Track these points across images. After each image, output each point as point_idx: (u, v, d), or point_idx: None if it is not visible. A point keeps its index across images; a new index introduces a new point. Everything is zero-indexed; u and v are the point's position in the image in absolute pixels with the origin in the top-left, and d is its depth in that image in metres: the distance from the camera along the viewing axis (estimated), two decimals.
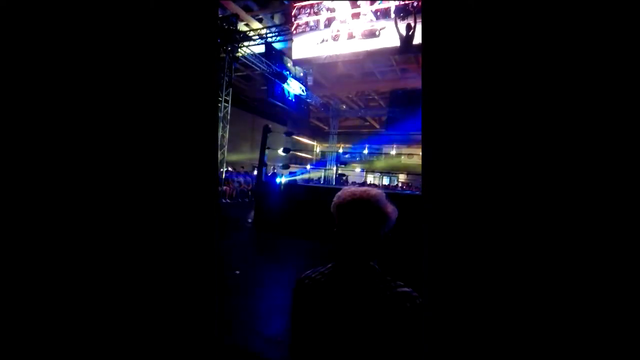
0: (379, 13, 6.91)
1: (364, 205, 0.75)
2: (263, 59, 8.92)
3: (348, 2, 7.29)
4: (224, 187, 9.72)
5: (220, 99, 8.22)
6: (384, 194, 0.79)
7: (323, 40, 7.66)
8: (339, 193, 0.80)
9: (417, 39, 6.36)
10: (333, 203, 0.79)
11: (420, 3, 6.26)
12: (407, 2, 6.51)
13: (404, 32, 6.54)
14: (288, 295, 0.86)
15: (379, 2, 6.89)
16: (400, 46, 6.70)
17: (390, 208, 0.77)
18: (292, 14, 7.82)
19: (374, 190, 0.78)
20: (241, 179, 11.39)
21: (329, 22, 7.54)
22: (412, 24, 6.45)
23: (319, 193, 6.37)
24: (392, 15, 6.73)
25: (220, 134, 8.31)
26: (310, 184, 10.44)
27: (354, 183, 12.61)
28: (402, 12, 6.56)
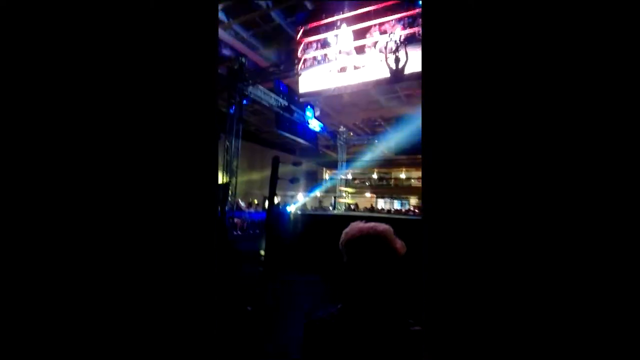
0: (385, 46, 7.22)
1: (372, 241, 0.73)
2: (272, 94, 9.35)
3: (352, 35, 7.67)
4: (236, 220, 9.78)
5: (230, 134, 8.51)
6: (392, 230, 0.77)
7: (330, 73, 7.98)
8: (347, 229, 0.79)
9: (409, 69, 6.69)
10: (341, 240, 0.78)
11: (407, 37, 6.63)
12: (396, 35, 6.89)
13: (393, 66, 6.92)
14: (300, 332, 0.81)
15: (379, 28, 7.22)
16: (390, 78, 7.04)
17: (399, 244, 0.75)
18: (300, 49, 8.24)
19: (382, 226, 0.77)
20: (252, 211, 11.45)
21: (336, 55, 7.90)
22: (403, 57, 6.78)
23: (329, 223, 6.29)
24: (381, 50, 7.07)
25: (231, 168, 8.48)
26: (319, 212, 10.38)
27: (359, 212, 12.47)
28: (392, 46, 6.95)
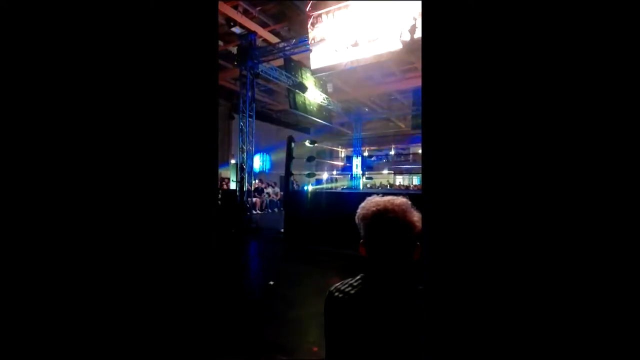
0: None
1: (388, 215, 0.73)
2: (283, 71, 9.17)
3: (364, 5, 7.28)
4: (255, 199, 10.05)
5: (244, 114, 8.53)
6: (409, 202, 0.76)
7: (342, 47, 7.69)
8: (363, 204, 0.79)
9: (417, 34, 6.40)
10: (357, 214, 0.79)
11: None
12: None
13: (407, 37, 6.61)
14: (321, 304, 0.85)
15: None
16: (404, 49, 6.79)
17: (416, 216, 0.74)
18: (310, 23, 7.93)
19: (399, 199, 0.76)
20: (270, 190, 11.69)
21: (346, 29, 7.56)
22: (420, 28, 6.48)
23: (346, 199, 6.39)
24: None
25: (246, 148, 8.59)
26: (338, 190, 10.44)
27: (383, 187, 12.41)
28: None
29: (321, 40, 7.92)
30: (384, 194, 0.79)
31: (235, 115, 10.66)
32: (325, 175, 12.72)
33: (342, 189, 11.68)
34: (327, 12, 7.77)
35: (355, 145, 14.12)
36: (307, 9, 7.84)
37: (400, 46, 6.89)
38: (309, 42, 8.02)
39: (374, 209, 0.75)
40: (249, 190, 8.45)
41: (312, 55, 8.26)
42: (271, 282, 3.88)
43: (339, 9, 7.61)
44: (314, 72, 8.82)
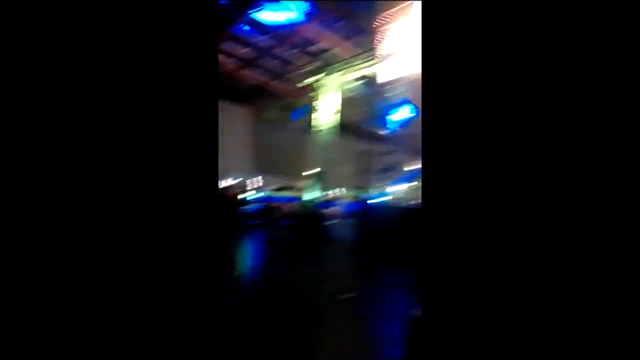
0: None
1: None
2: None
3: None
4: (330, 209, 10.12)
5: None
6: None
7: (410, 59, 7.53)
8: None
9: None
10: None
11: None
12: None
13: None
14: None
15: None
16: None
17: None
18: (377, 37, 8.02)
19: None
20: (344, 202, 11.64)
21: (413, 40, 7.40)
22: None
23: (418, 215, 5.95)
24: None
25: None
26: (412, 203, 9.81)
27: None
28: None
29: (390, 53, 7.91)
30: None
31: None
32: (399, 187, 12.20)
33: (415, 202, 10.93)
34: (394, 26, 7.75)
35: None
36: (374, 24, 7.97)
37: None
38: (377, 56, 8.10)
39: None
40: (325, 201, 8.74)
41: (380, 68, 8.30)
42: (353, 294, 3.83)
43: (405, 22, 7.52)
44: (382, 85, 8.82)
